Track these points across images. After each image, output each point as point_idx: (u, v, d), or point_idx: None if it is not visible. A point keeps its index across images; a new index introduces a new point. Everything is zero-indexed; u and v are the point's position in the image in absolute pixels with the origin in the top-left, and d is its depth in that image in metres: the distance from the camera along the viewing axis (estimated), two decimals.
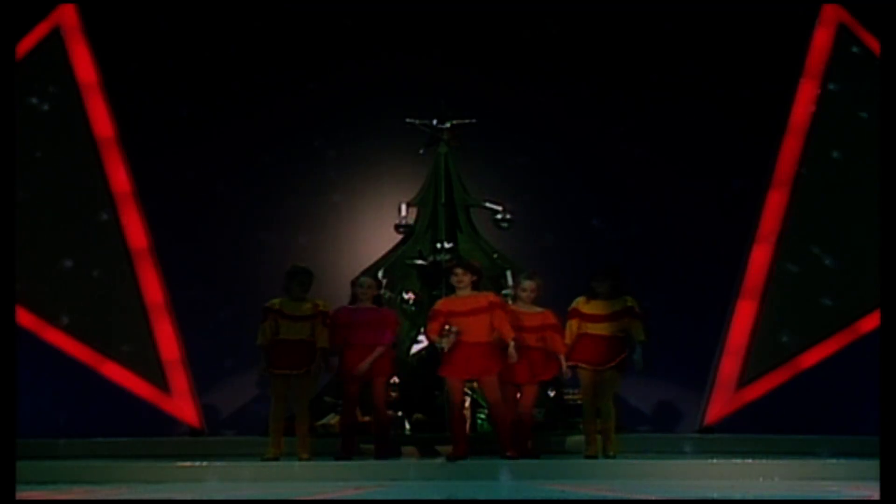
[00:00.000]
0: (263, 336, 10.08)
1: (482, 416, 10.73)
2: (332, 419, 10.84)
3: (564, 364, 9.86)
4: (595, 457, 9.88)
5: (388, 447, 10.07)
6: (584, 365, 9.95)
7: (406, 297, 11.21)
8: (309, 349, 10.00)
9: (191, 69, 12.89)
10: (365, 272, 10.76)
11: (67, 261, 12.36)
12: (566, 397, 11.21)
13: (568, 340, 9.99)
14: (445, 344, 9.56)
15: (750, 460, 9.88)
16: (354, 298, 10.22)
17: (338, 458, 9.82)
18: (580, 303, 10.05)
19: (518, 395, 9.91)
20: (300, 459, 9.89)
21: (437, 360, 10.22)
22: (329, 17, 13.10)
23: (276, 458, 9.86)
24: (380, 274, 11.13)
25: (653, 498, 8.28)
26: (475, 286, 9.73)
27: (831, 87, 12.72)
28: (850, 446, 10.46)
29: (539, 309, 9.97)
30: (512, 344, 9.58)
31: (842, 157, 12.60)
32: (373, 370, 9.97)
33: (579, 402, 10.92)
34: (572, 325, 10.03)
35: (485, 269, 10.47)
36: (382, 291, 10.67)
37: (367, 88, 12.99)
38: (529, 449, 9.90)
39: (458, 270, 9.66)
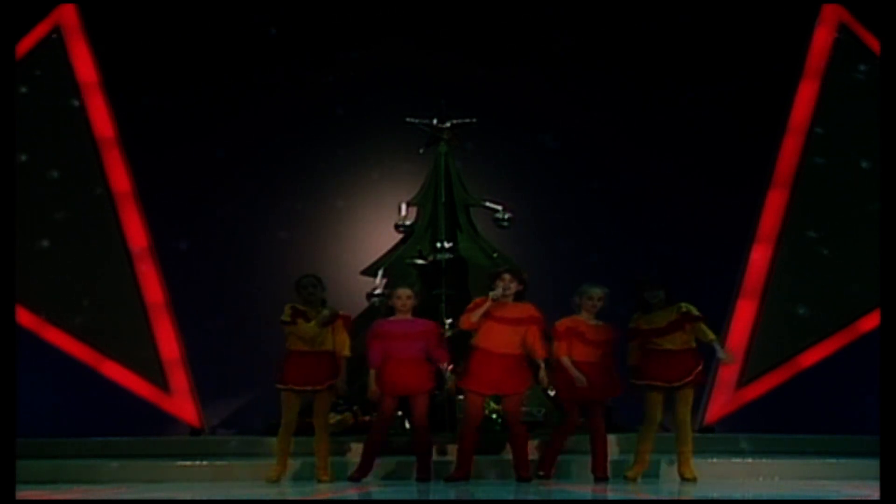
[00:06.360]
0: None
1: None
2: (333, 418, 10.78)
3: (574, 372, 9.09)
4: (635, 479, 9.22)
5: (429, 468, 9.27)
6: (659, 383, 9.20)
7: None
8: (330, 362, 9.32)
9: (191, 69, 12.88)
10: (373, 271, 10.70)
11: (67, 261, 12.35)
12: None
13: (634, 362, 9.32)
14: (493, 297, 9.06)
15: (750, 460, 9.89)
16: (389, 310, 9.52)
17: (350, 479, 9.25)
18: (636, 320, 9.37)
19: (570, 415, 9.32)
20: (320, 481, 9.21)
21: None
22: (329, 16, 13.10)
23: (278, 480, 9.25)
24: (380, 274, 11.13)
25: (653, 498, 8.28)
26: (518, 297, 9.25)
27: (831, 86, 12.72)
28: (850, 446, 10.47)
29: (601, 322, 9.35)
30: (543, 365, 9.14)
31: (842, 157, 12.60)
32: (415, 385, 9.26)
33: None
34: (635, 346, 9.34)
35: (484, 269, 10.46)
36: (384, 291, 10.66)
37: (366, 88, 12.99)
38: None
39: (507, 276, 9.18)
